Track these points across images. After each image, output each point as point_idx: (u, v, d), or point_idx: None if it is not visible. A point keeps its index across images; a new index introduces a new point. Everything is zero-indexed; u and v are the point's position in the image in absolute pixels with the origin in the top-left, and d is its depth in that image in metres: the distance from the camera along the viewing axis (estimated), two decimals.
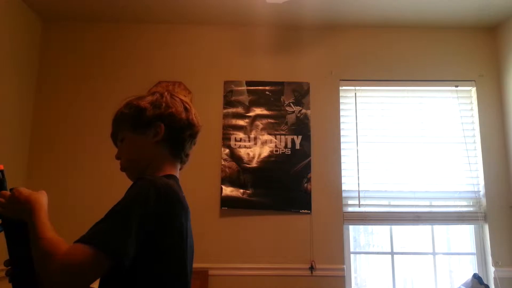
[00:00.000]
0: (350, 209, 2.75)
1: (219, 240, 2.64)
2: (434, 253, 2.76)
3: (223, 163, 2.73)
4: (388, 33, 2.94)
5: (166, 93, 1.12)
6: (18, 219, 0.97)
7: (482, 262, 2.70)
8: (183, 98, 1.15)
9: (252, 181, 2.70)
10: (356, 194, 2.76)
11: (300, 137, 2.77)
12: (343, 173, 2.76)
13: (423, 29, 2.94)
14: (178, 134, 1.10)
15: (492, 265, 2.61)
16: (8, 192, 0.99)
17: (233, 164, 2.73)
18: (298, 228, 2.67)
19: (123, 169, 1.10)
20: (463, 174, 2.78)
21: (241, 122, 2.79)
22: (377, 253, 2.85)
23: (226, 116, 2.80)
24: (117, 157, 1.12)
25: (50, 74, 2.84)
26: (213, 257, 2.60)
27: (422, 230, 2.81)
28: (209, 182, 2.70)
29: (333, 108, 2.84)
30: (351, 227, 2.77)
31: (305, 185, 2.71)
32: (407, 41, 2.94)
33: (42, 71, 2.84)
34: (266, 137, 2.78)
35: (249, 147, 2.76)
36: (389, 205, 2.78)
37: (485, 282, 2.48)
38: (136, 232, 0.86)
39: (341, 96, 2.87)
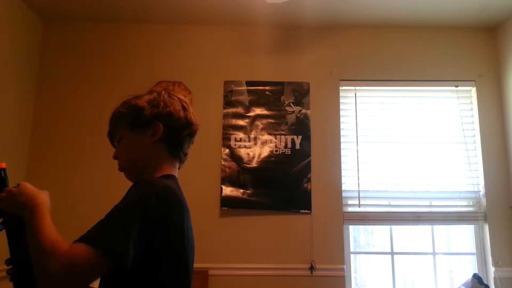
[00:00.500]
0: (350, 209, 2.75)
1: (219, 240, 2.64)
2: (434, 253, 2.76)
3: (223, 163, 2.73)
4: (388, 33, 2.94)
5: (163, 92, 1.12)
6: (19, 216, 0.96)
7: (482, 262, 2.70)
8: (180, 97, 1.15)
9: (252, 181, 2.70)
10: (356, 194, 2.76)
11: (300, 137, 2.77)
12: (343, 173, 2.76)
13: (423, 29, 2.94)
14: (177, 133, 1.10)
15: (492, 265, 2.61)
16: (12, 189, 0.97)
17: (233, 164, 2.73)
18: (298, 228, 2.67)
19: (121, 169, 1.10)
20: (463, 174, 2.78)
21: (241, 122, 2.79)
22: (377, 253, 2.85)
23: (226, 116, 2.80)
24: (115, 157, 1.11)
25: (50, 74, 2.84)
26: (213, 257, 2.61)
27: (422, 230, 2.81)
28: (209, 182, 2.70)
29: (333, 108, 2.84)
30: (351, 227, 2.77)
31: (305, 185, 2.71)
32: (407, 41, 2.94)
33: (42, 71, 2.84)
34: (266, 137, 2.78)
35: (249, 147, 2.76)
36: (389, 205, 2.78)
37: (485, 282, 2.48)
38: (136, 233, 0.86)
39: (341, 96, 2.87)
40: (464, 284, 2.43)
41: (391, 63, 2.90)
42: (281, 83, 2.85)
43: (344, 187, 2.74)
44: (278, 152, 2.75)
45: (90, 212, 2.59)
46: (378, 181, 2.78)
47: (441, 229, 2.81)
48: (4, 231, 1.00)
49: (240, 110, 2.81)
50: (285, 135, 2.78)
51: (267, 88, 2.84)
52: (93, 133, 2.72)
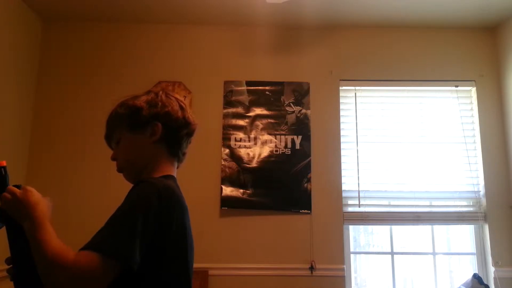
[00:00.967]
0: (350, 209, 2.75)
1: (219, 240, 2.64)
2: (434, 253, 2.76)
3: (223, 163, 2.73)
4: (388, 33, 2.94)
5: (161, 92, 1.12)
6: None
7: (482, 262, 2.70)
8: (178, 96, 1.15)
9: (252, 181, 2.70)
10: (356, 194, 2.76)
11: (300, 137, 2.77)
12: (343, 173, 2.76)
13: (423, 29, 2.94)
14: (176, 133, 1.10)
15: (492, 265, 2.61)
16: (17, 190, 0.95)
17: (233, 164, 2.73)
18: (298, 228, 2.67)
19: (120, 169, 1.10)
20: (463, 174, 2.78)
21: (241, 122, 2.79)
22: (377, 253, 2.85)
23: (226, 116, 2.80)
24: (113, 158, 1.11)
25: (50, 74, 2.84)
26: (213, 257, 2.61)
27: (422, 230, 2.81)
28: (209, 182, 2.70)
29: (333, 108, 2.84)
30: (351, 227, 2.77)
31: (305, 185, 2.71)
32: (407, 41, 2.94)
33: (42, 71, 2.84)
34: (266, 137, 2.78)
35: (249, 147, 2.76)
36: (389, 205, 2.78)
37: (485, 282, 2.48)
38: (141, 235, 0.86)
39: (341, 96, 2.87)
40: (464, 284, 2.43)
41: (391, 63, 2.90)
42: (281, 83, 2.85)
43: (344, 187, 2.74)
44: (278, 152, 2.75)
45: (90, 211, 2.59)
46: (378, 181, 2.78)
47: (441, 229, 2.81)
48: (5, 229, 0.99)
49: (240, 110, 2.81)
50: (285, 135, 2.78)
51: (267, 88, 2.84)
52: (93, 133, 2.72)
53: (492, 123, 2.81)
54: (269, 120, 2.80)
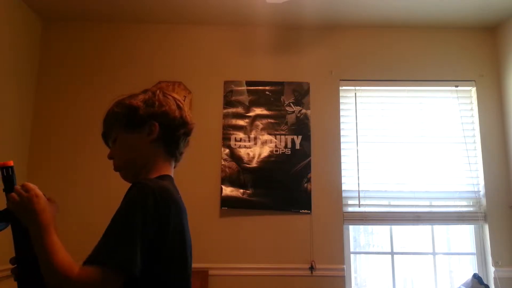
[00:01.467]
0: (350, 209, 2.75)
1: (219, 240, 2.64)
2: (434, 253, 2.76)
3: (223, 163, 2.73)
4: (388, 33, 2.94)
5: (158, 91, 1.11)
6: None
7: (482, 262, 2.70)
8: (175, 96, 1.14)
9: (252, 181, 2.70)
10: (356, 194, 2.75)
11: (300, 137, 2.77)
12: (343, 173, 2.76)
13: (423, 29, 2.94)
14: (173, 133, 1.09)
15: (492, 265, 2.61)
16: (23, 194, 0.94)
17: (233, 164, 2.73)
18: (298, 228, 2.67)
19: (117, 169, 1.09)
20: (463, 174, 2.78)
21: (241, 122, 2.79)
22: (377, 253, 2.85)
23: (226, 116, 2.80)
24: (110, 157, 1.10)
25: (50, 74, 2.84)
26: (213, 257, 2.61)
27: (422, 230, 2.81)
28: (209, 182, 2.70)
29: (333, 108, 2.84)
30: (351, 227, 2.77)
31: (305, 185, 2.71)
32: (407, 41, 2.94)
33: (42, 71, 2.84)
34: (266, 137, 2.78)
35: (249, 147, 2.76)
36: (389, 205, 2.78)
37: (485, 282, 2.48)
38: (140, 241, 0.86)
39: (341, 96, 2.87)
40: (464, 284, 2.43)
41: (391, 63, 2.90)
42: (281, 83, 2.85)
43: (344, 187, 2.74)
44: (278, 152, 2.75)
45: (90, 211, 2.59)
46: (378, 181, 2.78)
47: (441, 229, 2.81)
48: (9, 229, 0.99)
49: (240, 110, 2.81)
50: (285, 135, 2.78)
51: (267, 88, 2.84)
52: (93, 132, 2.70)
53: (492, 123, 2.81)
54: (269, 120, 2.80)
